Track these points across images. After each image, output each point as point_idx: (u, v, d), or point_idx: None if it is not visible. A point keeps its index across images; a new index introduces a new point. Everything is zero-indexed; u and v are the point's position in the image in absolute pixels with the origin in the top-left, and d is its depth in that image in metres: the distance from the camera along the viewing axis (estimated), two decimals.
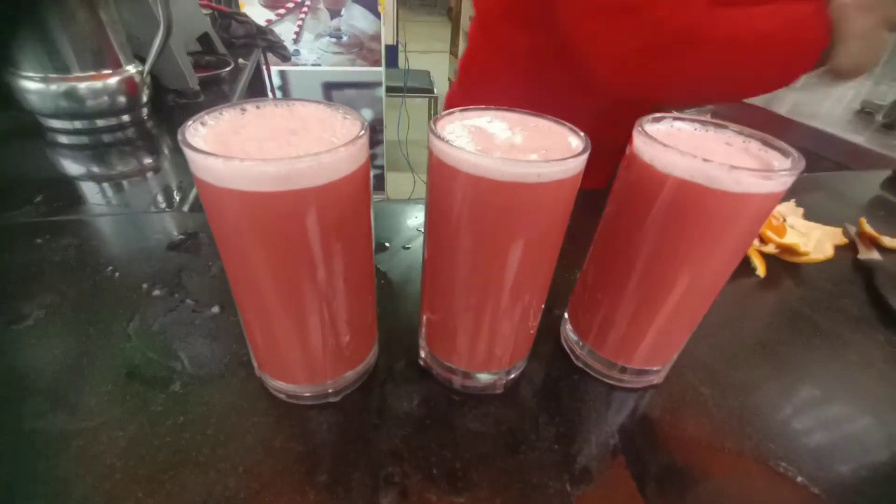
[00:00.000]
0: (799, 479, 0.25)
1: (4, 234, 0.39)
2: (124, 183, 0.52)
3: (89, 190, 0.50)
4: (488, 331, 0.26)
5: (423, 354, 0.31)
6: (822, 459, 0.27)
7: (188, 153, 0.18)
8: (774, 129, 1.04)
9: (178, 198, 0.49)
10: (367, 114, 2.13)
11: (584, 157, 0.21)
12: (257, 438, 0.25)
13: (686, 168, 0.21)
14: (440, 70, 3.92)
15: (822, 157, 0.90)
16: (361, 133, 0.20)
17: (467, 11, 3.50)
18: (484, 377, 0.29)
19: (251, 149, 0.19)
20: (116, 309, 0.33)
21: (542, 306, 0.28)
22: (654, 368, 0.30)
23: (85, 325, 0.31)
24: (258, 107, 0.22)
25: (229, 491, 0.22)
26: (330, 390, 0.27)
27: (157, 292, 0.35)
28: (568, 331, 0.33)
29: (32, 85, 0.56)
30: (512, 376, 0.30)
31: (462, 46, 3.66)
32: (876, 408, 0.31)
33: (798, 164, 0.22)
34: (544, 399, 0.29)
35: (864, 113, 0.97)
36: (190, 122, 0.20)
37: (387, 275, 0.39)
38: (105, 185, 0.52)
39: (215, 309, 0.34)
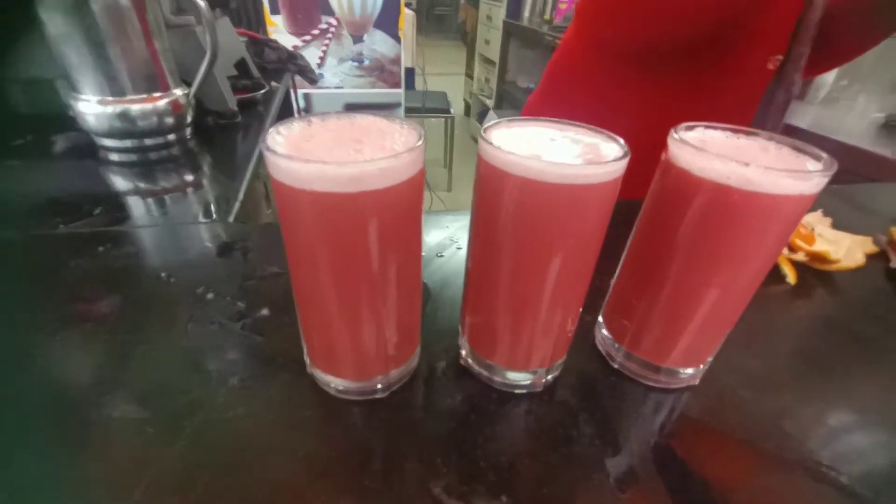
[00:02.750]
0: (842, 478, 0.26)
1: (72, 242, 0.42)
2: (171, 196, 0.56)
3: (140, 203, 0.53)
4: (529, 331, 0.28)
5: (463, 353, 0.32)
6: (865, 461, 0.27)
7: (270, 157, 0.20)
8: (802, 144, 1.04)
9: (221, 209, 0.52)
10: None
11: (625, 161, 0.22)
12: (312, 429, 0.27)
13: (722, 171, 0.23)
14: (456, 91, 4.01)
15: (849, 171, 0.89)
16: (420, 142, 0.22)
17: (482, 35, 3.61)
18: (524, 376, 0.30)
19: (323, 154, 0.22)
20: (175, 310, 0.35)
21: (581, 308, 0.29)
22: (690, 370, 0.31)
23: (148, 325, 0.34)
24: (323, 119, 0.25)
25: (291, 475, 0.24)
26: (378, 386, 0.29)
27: (210, 296, 0.37)
28: (603, 333, 0.34)
29: (90, 107, 0.60)
30: (550, 376, 0.31)
31: (477, 70, 3.76)
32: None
33: (830, 165, 0.23)
34: (582, 398, 0.30)
35: (890, 126, 0.97)
36: (269, 132, 0.22)
37: (423, 280, 0.41)
38: (153, 198, 0.55)
39: (265, 311, 0.36)
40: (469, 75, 4.05)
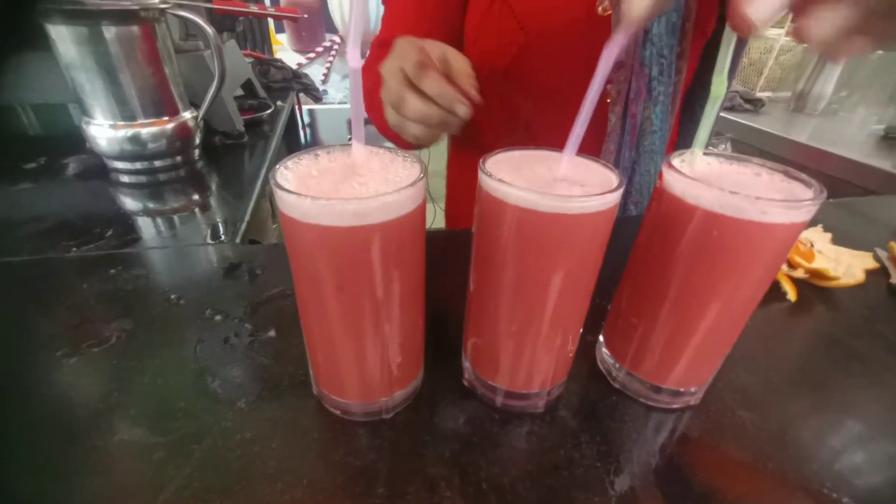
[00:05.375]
0: (844, 500, 0.26)
1: (84, 265, 0.44)
2: (180, 216, 0.57)
3: (150, 224, 0.55)
4: (531, 352, 0.28)
5: (466, 375, 0.32)
6: (867, 482, 0.27)
7: (280, 194, 0.21)
8: (802, 157, 1.05)
9: (228, 230, 0.53)
10: (390, 145, 2.21)
11: (620, 191, 0.23)
12: (318, 453, 0.27)
13: (714, 200, 0.23)
14: None
15: (849, 184, 0.90)
16: (421, 175, 0.23)
17: None
18: (526, 396, 0.30)
19: (328, 189, 0.23)
20: (184, 333, 0.36)
21: (581, 330, 0.29)
22: (691, 389, 0.31)
23: (158, 348, 0.34)
24: (328, 152, 0.26)
25: (298, 499, 0.24)
26: (383, 408, 0.29)
27: (218, 318, 0.38)
28: (604, 354, 0.34)
29: (102, 131, 0.62)
30: (552, 397, 0.31)
31: None
32: None
33: (820, 194, 0.24)
34: (584, 418, 0.30)
35: (889, 138, 0.97)
36: (278, 168, 0.23)
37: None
38: (163, 218, 0.57)
39: (271, 332, 0.36)
40: None
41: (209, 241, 0.51)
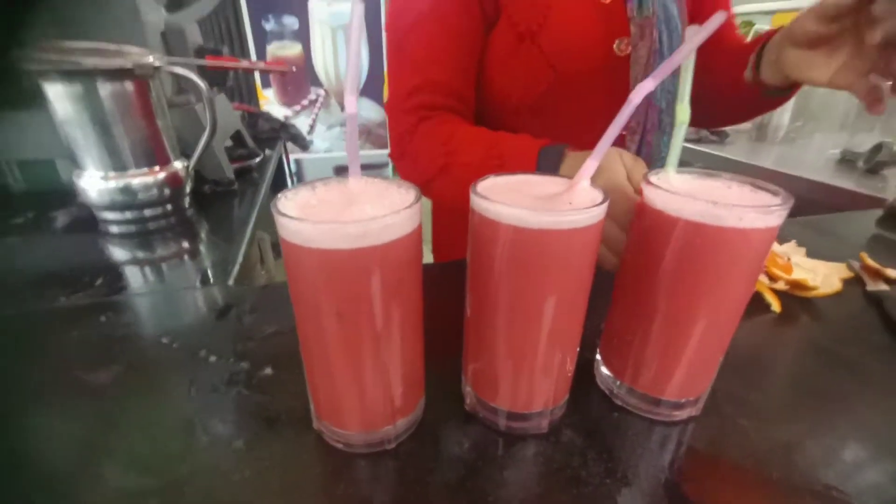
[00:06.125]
0: (853, 502, 0.26)
1: (74, 314, 0.43)
2: (170, 264, 0.57)
3: (140, 272, 0.54)
4: (530, 371, 0.29)
5: (468, 400, 0.32)
6: (874, 484, 0.27)
7: (281, 220, 0.22)
8: (768, 180, 1.11)
9: (219, 274, 0.53)
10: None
11: (605, 206, 0.24)
12: (320, 487, 0.27)
13: (694, 210, 0.25)
14: None
15: (815, 203, 0.95)
16: (417, 198, 0.24)
17: None
18: (529, 417, 0.30)
19: (328, 216, 0.24)
20: (179, 375, 0.35)
21: (577, 347, 0.30)
22: (691, 399, 0.31)
23: (152, 391, 0.34)
24: (325, 184, 0.27)
25: None
26: (385, 438, 0.29)
27: (212, 358, 0.37)
28: (603, 372, 0.34)
29: (93, 182, 0.63)
30: (556, 416, 0.31)
31: None
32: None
33: (787, 199, 0.26)
34: (589, 436, 0.30)
35: (846, 161, 1.04)
36: (279, 198, 0.24)
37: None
38: (153, 266, 0.57)
39: (268, 370, 0.36)
40: None
41: (199, 285, 0.51)
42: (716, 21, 0.24)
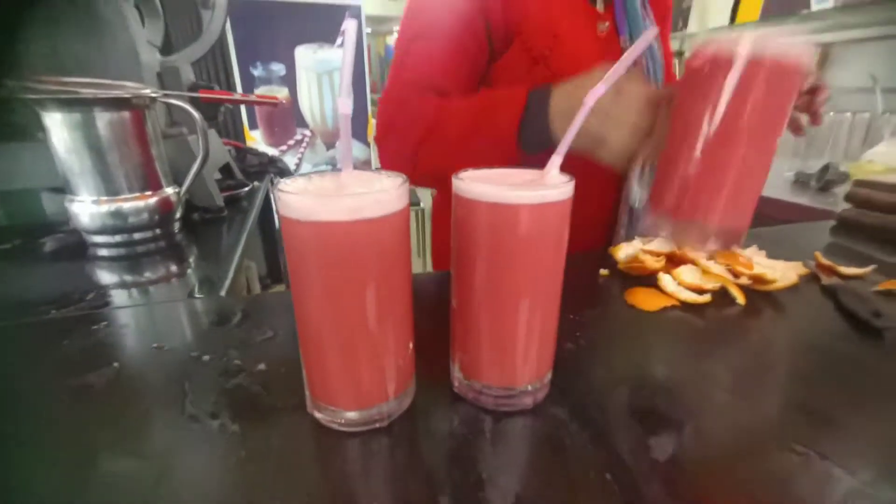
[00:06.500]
0: (837, 471, 0.28)
1: (65, 324, 0.43)
2: (157, 285, 0.58)
3: (129, 291, 0.55)
4: (512, 348, 0.31)
5: (456, 384, 0.34)
6: (844, 442, 0.29)
7: (283, 196, 0.24)
8: None
9: (206, 293, 0.54)
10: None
11: (573, 183, 0.28)
12: (317, 465, 0.27)
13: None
14: (424, 191, 4.29)
15: (776, 219, 1.01)
16: (404, 181, 0.27)
17: None
18: (516, 393, 0.32)
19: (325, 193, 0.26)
20: (173, 373, 0.36)
21: (556, 324, 0.32)
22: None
23: (148, 387, 0.34)
24: (321, 175, 0.30)
25: None
26: (377, 416, 0.30)
27: (206, 358, 0.38)
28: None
29: (85, 207, 0.64)
30: (540, 392, 0.33)
31: None
32: (864, 396, 0.34)
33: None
34: (577, 411, 0.32)
35: (799, 181, 1.13)
36: (279, 183, 0.26)
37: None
38: (141, 286, 0.57)
39: (261, 366, 0.37)
40: None
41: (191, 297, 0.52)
42: (649, 35, 0.29)
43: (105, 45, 0.71)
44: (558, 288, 0.31)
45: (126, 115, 0.63)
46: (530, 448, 0.29)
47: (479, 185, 0.27)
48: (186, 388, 0.34)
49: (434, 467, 0.27)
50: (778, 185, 1.17)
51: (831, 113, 1.40)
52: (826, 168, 1.06)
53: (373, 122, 2.41)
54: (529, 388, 0.32)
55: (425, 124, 0.58)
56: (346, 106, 0.27)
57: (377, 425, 0.30)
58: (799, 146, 1.40)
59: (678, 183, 0.46)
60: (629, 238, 0.61)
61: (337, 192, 0.27)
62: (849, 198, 0.75)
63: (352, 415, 0.29)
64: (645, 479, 0.26)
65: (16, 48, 0.68)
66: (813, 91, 0.52)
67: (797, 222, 0.93)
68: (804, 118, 0.55)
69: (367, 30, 2.48)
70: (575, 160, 0.51)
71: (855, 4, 1.14)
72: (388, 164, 0.65)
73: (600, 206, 0.72)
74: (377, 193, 0.25)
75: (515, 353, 0.31)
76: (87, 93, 0.59)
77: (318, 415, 0.30)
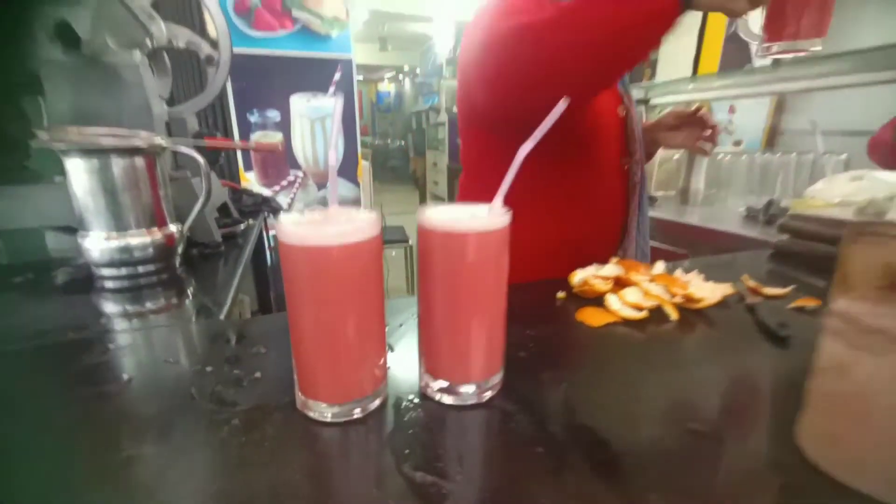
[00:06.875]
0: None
1: (82, 345, 0.49)
2: (158, 314, 0.64)
3: (132, 319, 0.61)
4: (466, 348, 0.37)
5: (422, 382, 0.40)
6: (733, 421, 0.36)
7: (282, 227, 0.32)
8: (694, 234, 1.29)
9: (208, 316, 0.61)
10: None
11: (509, 215, 0.36)
12: (304, 448, 0.33)
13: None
14: (412, 225, 4.40)
15: (728, 249, 1.11)
16: (377, 214, 0.35)
17: (431, 178, 4.16)
18: (468, 389, 0.38)
19: (316, 223, 0.34)
20: (180, 381, 0.42)
21: (504, 329, 0.39)
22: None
23: (158, 391, 0.40)
24: (311, 210, 0.37)
25: (291, 485, 0.30)
26: (356, 410, 0.36)
27: (209, 368, 0.44)
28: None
29: (96, 243, 0.71)
30: (491, 389, 0.39)
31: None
32: (763, 389, 0.41)
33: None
34: (522, 403, 0.38)
35: (749, 216, 1.25)
36: (280, 215, 0.34)
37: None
38: (143, 316, 0.63)
39: (257, 374, 0.43)
40: None
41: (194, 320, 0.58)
42: (559, 108, 0.37)
43: (122, 98, 0.80)
44: (503, 299, 0.38)
45: (139, 161, 0.71)
46: (481, 432, 0.35)
47: (434, 218, 0.35)
48: (193, 393, 0.40)
49: (400, 447, 0.33)
50: (731, 219, 1.28)
51: (779, 154, 1.55)
52: (770, 203, 1.17)
53: (363, 163, 2.54)
54: (483, 385, 0.39)
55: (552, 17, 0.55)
56: (333, 158, 0.35)
57: (355, 416, 0.36)
58: (752, 183, 1.55)
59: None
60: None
61: (325, 222, 0.35)
62: (782, 229, 0.85)
63: (333, 409, 0.36)
64: (570, 450, 0.33)
65: (45, 102, 0.77)
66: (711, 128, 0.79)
67: (745, 251, 1.03)
68: (708, 146, 0.80)
69: (358, 77, 2.66)
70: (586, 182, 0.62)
71: (788, 63, 1.30)
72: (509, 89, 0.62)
73: (612, 219, 0.85)
74: (357, 223, 0.32)
75: (469, 355, 0.38)
76: (107, 143, 0.68)
77: (306, 410, 0.36)
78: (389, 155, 10.76)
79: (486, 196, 0.38)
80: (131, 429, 0.35)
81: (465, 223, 0.34)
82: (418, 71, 7.66)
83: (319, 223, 0.35)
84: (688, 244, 1.22)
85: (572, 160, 0.80)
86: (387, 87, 11.53)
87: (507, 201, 0.37)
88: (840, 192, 1.16)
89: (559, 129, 0.56)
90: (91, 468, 0.31)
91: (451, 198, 3.75)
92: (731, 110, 2.70)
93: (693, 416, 0.37)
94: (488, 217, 0.36)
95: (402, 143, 10.49)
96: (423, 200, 4.70)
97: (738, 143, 2.67)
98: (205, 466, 0.31)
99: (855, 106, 1.77)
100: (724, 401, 0.40)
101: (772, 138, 2.38)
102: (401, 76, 10.29)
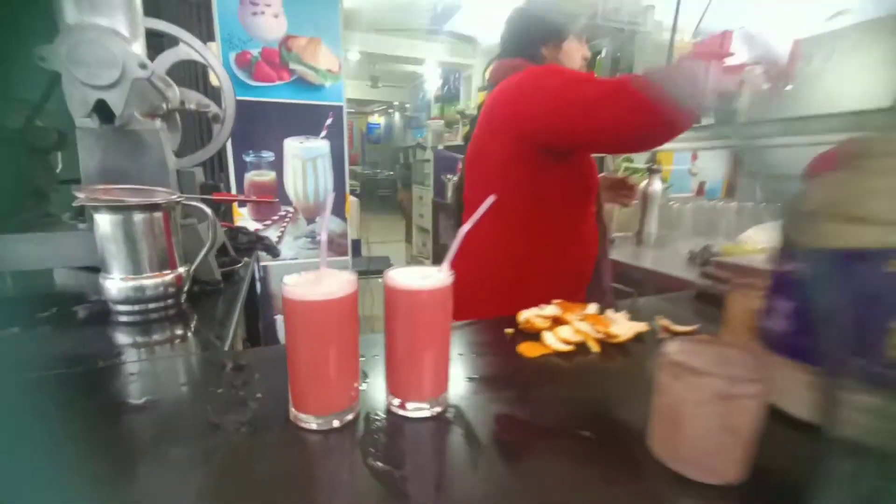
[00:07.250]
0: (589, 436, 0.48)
1: (108, 372, 0.60)
2: (164, 346, 0.75)
3: (143, 350, 0.72)
4: (419, 374, 0.50)
5: (388, 401, 0.53)
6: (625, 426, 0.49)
7: (287, 288, 0.45)
8: (645, 276, 1.45)
9: (212, 348, 0.72)
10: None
11: (451, 277, 0.49)
12: (295, 448, 0.45)
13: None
14: (398, 255, 4.55)
15: (671, 289, 1.26)
16: (355, 276, 0.48)
17: (417, 211, 4.33)
18: (424, 406, 0.51)
19: (310, 283, 0.47)
20: (195, 400, 0.53)
21: (448, 357, 0.52)
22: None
23: (177, 410, 0.52)
24: (307, 272, 0.51)
25: (287, 473, 0.42)
26: (335, 421, 0.48)
27: (220, 391, 0.56)
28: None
29: (115, 283, 0.82)
30: (438, 406, 0.52)
31: (415, 236, 4.40)
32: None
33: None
34: (461, 416, 0.51)
35: (691, 259, 1.41)
36: (284, 279, 0.47)
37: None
38: (150, 347, 0.74)
39: (258, 395, 0.55)
40: (408, 241, 4.67)
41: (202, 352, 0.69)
42: (487, 203, 0.52)
43: (143, 158, 0.93)
44: (447, 337, 0.51)
45: (157, 214, 0.84)
46: (427, 436, 0.48)
47: (395, 278, 0.48)
48: (209, 409, 0.51)
49: (367, 446, 0.45)
50: (677, 262, 1.45)
51: (722, 202, 1.75)
52: (705, 248, 1.34)
53: (350, 199, 2.69)
54: (433, 402, 0.51)
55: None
56: (323, 239, 0.49)
57: (335, 426, 0.48)
58: (699, 227, 1.73)
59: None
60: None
61: (316, 282, 0.48)
62: (702, 275, 1.00)
63: (317, 420, 0.48)
64: (488, 450, 0.45)
65: (78, 164, 0.89)
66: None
67: (683, 291, 1.17)
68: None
69: (349, 110, 2.84)
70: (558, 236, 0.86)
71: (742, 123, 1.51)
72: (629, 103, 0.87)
73: (584, 263, 1.09)
74: (340, 283, 0.46)
75: (422, 379, 0.50)
76: (131, 200, 0.80)
77: (297, 421, 0.48)
78: (378, 185, 11.02)
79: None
80: (161, 434, 0.47)
81: (417, 283, 0.48)
82: (408, 106, 8.00)
83: (312, 283, 0.48)
84: (635, 284, 1.38)
85: (570, 207, 1.05)
86: (377, 119, 11.93)
87: (520, 240, 0.60)
88: (765, 238, 1.35)
89: (567, 181, 0.95)
90: (130, 462, 0.43)
91: (436, 230, 3.92)
92: (694, 157, 2.95)
93: (587, 426, 0.50)
94: (435, 278, 0.50)
95: (391, 173, 10.78)
96: (409, 230, 4.87)
97: (702, 184, 2.90)
98: (221, 460, 0.43)
99: (803, 154, 1.99)
100: (613, 414, 0.53)
101: (731, 185, 2.61)
102: (390, 110, 10.69)
